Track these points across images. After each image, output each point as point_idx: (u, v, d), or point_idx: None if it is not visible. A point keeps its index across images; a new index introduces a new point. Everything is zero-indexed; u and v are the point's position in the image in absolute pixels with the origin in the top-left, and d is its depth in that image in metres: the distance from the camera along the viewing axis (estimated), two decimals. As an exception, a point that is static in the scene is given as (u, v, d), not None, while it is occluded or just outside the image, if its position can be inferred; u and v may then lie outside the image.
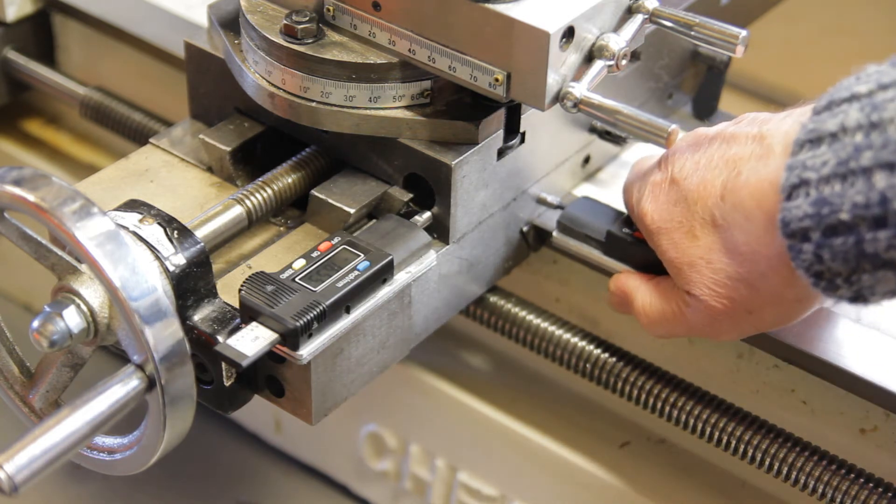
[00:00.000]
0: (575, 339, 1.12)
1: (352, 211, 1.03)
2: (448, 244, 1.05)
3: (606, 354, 1.11)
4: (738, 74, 1.83)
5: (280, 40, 1.01)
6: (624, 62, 0.97)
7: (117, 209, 0.98)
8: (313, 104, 1.01)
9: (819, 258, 0.84)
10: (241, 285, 0.95)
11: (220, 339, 0.95)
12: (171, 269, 0.94)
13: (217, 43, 1.10)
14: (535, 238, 1.14)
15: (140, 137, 1.31)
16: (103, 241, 0.86)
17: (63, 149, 1.49)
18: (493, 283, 1.14)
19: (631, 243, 1.05)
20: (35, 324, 0.91)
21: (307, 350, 0.94)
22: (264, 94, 1.03)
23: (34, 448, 0.85)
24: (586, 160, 1.16)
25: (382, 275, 0.98)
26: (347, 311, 0.96)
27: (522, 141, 1.06)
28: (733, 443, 1.06)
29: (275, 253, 1.04)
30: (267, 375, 0.99)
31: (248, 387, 1.00)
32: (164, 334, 0.87)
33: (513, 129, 1.05)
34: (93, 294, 0.91)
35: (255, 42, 1.03)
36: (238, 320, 0.96)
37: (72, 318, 0.91)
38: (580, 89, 0.96)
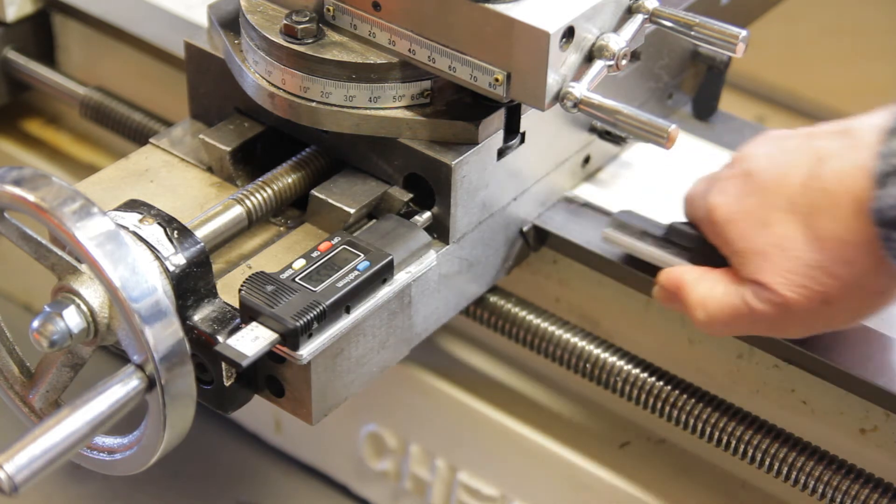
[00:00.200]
0: (575, 339, 1.12)
1: (352, 211, 1.03)
2: (448, 244, 1.05)
3: (606, 354, 1.11)
4: (738, 74, 1.83)
5: (280, 40, 1.01)
6: (624, 62, 0.97)
7: (117, 209, 0.98)
8: (313, 104, 1.01)
9: None
10: (241, 285, 0.95)
11: (220, 339, 0.95)
12: (171, 269, 0.94)
13: (217, 43, 1.10)
14: (535, 238, 1.14)
15: (140, 137, 1.31)
16: (103, 241, 0.86)
17: (63, 149, 1.49)
18: (493, 283, 1.14)
19: (696, 236, 1.02)
20: (35, 324, 0.91)
21: (307, 350, 0.94)
22: (264, 94, 1.03)
23: (34, 448, 0.85)
24: (586, 160, 1.16)
25: (382, 275, 0.98)
26: (347, 311, 0.96)
27: (522, 141, 1.06)
28: (733, 443, 1.06)
29: (275, 253, 1.04)
30: (267, 375, 0.99)
31: (248, 387, 1.00)
32: (164, 334, 0.87)
33: (513, 129, 1.05)
34: (93, 294, 0.91)
35: (255, 42, 1.03)
36: (238, 320, 0.96)
37: (72, 318, 0.91)
38: (580, 89, 0.96)
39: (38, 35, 1.42)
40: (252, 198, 1.04)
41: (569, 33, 0.94)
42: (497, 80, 0.96)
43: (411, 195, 1.04)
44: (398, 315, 1.02)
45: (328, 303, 0.94)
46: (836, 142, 0.90)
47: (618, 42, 0.97)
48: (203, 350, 0.96)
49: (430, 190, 1.03)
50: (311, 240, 1.04)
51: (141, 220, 0.96)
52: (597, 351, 1.11)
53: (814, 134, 0.93)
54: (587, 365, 1.11)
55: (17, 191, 0.87)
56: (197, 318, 0.96)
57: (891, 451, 1.06)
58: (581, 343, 1.12)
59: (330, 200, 1.03)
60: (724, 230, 0.95)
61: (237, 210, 1.03)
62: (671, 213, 1.13)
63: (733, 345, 1.11)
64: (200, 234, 1.00)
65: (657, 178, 1.17)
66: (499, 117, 1.02)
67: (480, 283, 1.12)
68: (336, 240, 0.99)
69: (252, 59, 1.04)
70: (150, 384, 0.89)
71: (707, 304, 0.97)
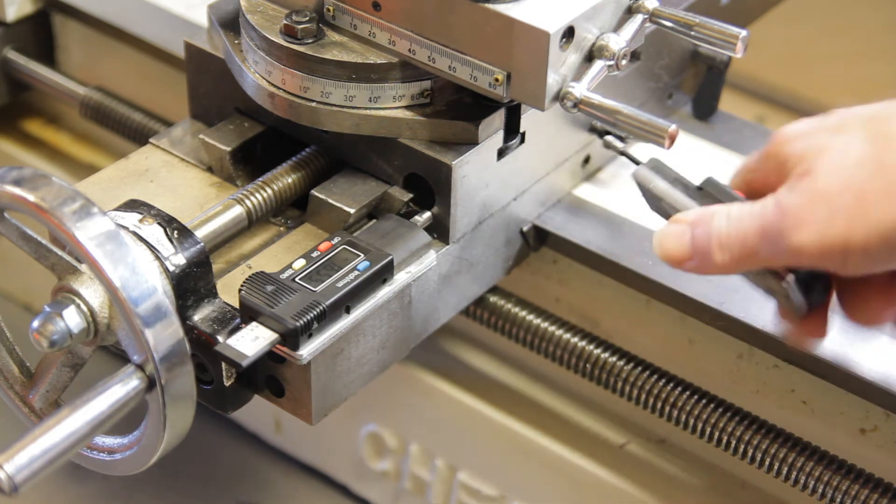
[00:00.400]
0: (575, 339, 1.12)
1: (352, 211, 1.03)
2: (448, 244, 1.05)
3: (606, 354, 1.11)
4: (738, 74, 1.82)
5: (280, 40, 1.01)
6: (624, 62, 0.97)
7: (117, 209, 0.98)
8: (313, 104, 1.01)
9: None
10: (241, 285, 0.95)
11: (220, 339, 0.95)
12: (171, 269, 0.94)
13: (217, 43, 1.10)
14: (535, 238, 1.14)
15: (140, 137, 1.31)
16: (103, 241, 0.86)
17: (63, 149, 1.49)
18: (493, 283, 1.14)
19: (734, 196, 0.95)
20: (35, 324, 0.91)
21: (307, 350, 0.94)
22: (264, 94, 1.03)
23: (34, 448, 0.85)
24: (586, 160, 1.16)
25: (382, 275, 0.98)
26: (347, 311, 0.96)
27: (522, 141, 1.06)
28: (733, 443, 1.06)
29: (275, 253, 1.04)
30: (267, 375, 0.99)
31: (248, 387, 1.00)
32: (164, 334, 0.87)
33: (513, 129, 1.05)
34: (93, 294, 0.91)
35: (255, 42, 1.03)
36: (238, 320, 0.96)
37: (72, 318, 0.91)
38: (580, 89, 0.96)
39: (38, 35, 1.41)
40: (252, 198, 1.04)
41: (569, 33, 0.94)
42: (497, 80, 0.97)
43: (411, 195, 1.04)
44: (398, 315, 1.02)
45: (328, 303, 0.94)
46: None
47: (618, 42, 0.97)
48: (203, 350, 0.96)
49: (430, 190, 1.03)
50: (311, 240, 1.04)
51: (141, 220, 0.96)
52: (597, 351, 1.11)
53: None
54: (587, 365, 1.11)
55: (17, 191, 0.87)
56: (197, 318, 0.96)
57: (891, 451, 1.06)
58: (581, 343, 1.12)
59: (330, 200, 1.03)
60: (785, 140, 0.89)
61: (237, 210, 1.03)
62: (671, 213, 1.13)
63: (733, 345, 1.11)
64: (200, 234, 1.00)
65: (657, 178, 1.17)
66: (499, 117, 1.02)
67: (480, 283, 1.12)
68: (336, 240, 0.99)
69: (252, 59, 1.04)
70: (150, 384, 0.89)
71: (731, 222, 0.89)
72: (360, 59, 1.00)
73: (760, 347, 1.06)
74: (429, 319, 1.07)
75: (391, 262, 0.98)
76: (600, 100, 0.96)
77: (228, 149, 1.08)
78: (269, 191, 1.05)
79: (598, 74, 0.97)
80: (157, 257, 0.94)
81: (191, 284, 0.96)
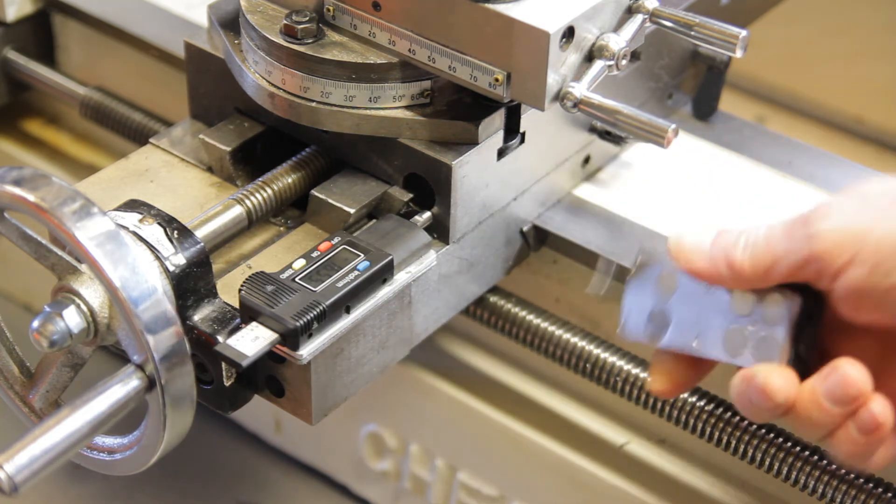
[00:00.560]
0: (575, 339, 1.12)
1: (352, 211, 1.03)
2: (448, 244, 1.05)
3: (606, 354, 1.11)
4: (738, 74, 1.83)
5: (280, 40, 1.01)
6: (624, 62, 0.97)
7: (117, 209, 0.98)
8: (313, 104, 1.01)
9: None
10: (241, 285, 0.95)
11: (220, 339, 0.95)
12: (171, 269, 0.94)
13: (217, 43, 1.10)
14: (535, 238, 1.14)
15: (140, 137, 1.31)
16: (103, 241, 0.86)
17: (63, 149, 1.49)
18: (493, 283, 1.14)
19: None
20: (35, 324, 0.91)
21: (307, 350, 0.94)
22: (264, 94, 1.03)
23: (34, 448, 0.85)
24: (586, 160, 1.16)
25: (382, 275, 0.98)
26: (347, 311, 0.96)
27: (522, 141, 1.06)
28: (733, 443, 1.06)
29: (275, 253, 1.04)
30: (267, 375, 0.99)
31: (248, 387, 1.00)
32: (164, 334, 0.87)
33: (513, 129, 1.05)
34: (93, 294, 0.91)
35: (255, 42, 1.03)
36: (238, 320, 0.96)
37: (72, 318, 0.91)
38: (580, 89, 0.96)
39: (38, 35, 1.41)
40: (252, 198, 1.04)
41: (569, 33, 0.94)
42: (497, 80, 0.97)
43: (411, 195, 1.04)
44: (398, 315, 1.02)
45: (328, 303, 0.94)
46: None
47: (618, 42, 0.97)
48: (203, 350, 0.96)
49: (430, 190, 1.03)
50: (311, 240, 1.04)
51: (141, 220, 0.96)
52: (597, 351, 1.11)
53: None
54: (587, 365, 1.11)
55: (17, 191, 0.87)
56: (197, 318, 0.96)
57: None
58: (581, 343, 1.12)
59: (330, 200, 1.03)
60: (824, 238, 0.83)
61: (237, 210, 1.03)
62: (671, 212, 1.13)
63: (733, 345, 1.10)
64: (200, 234, 1.00)
65: (657, 178, 1.17)
66: (499, 117, 1.02)
67: (480, 283, 1.12)
68: (336, 240, 0.99)
69: (252, 59, 1.04)
70: (150, 384, 0.89)
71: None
72: (360, 59, 1.00)
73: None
74: (429, 319, 1.07)
75: (391, 262, 0.98)
76: (600, 100, 0.96)
77: (228, 149, 1.08)
78: (269, 191, 1.05)
79: (598, 74, 0.97)
80: (157, 257, 0.94)
81: (191, 284, 0.96)
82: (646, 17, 1.00)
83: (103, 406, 0.89)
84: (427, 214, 1.04)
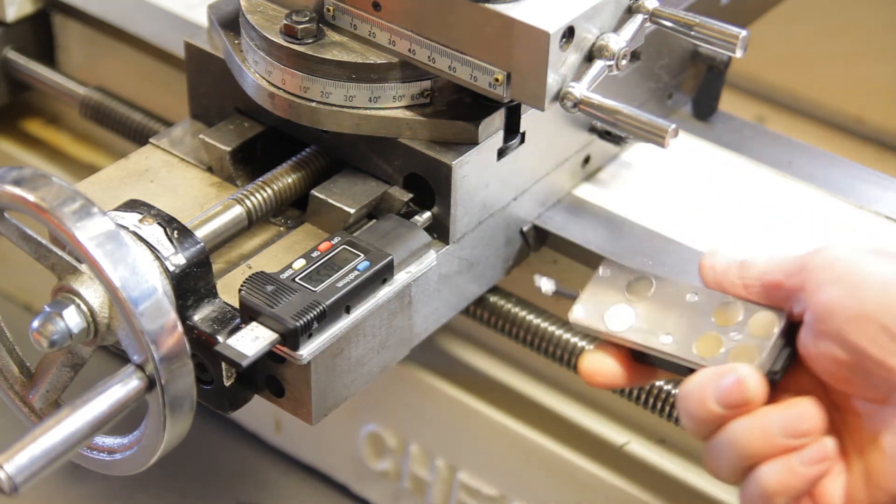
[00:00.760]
0: (575, 339, 1.12)
1: (352, 211, 1.03)
2: (448, 244, 1.05)
3: (606, 354, 1.11)
4: (738, 74, 1.83)
5: (280, 40, 1.01)
6: (624, 62, 0.97)
7: (117, 209, 0.98)
8: (313, 104, 1.01)
9: None
10: (241, 285, 0.95)
11: (220, 339, 0.95)
12: (171, 269, 0.94)
13: (217, 43, 1.10)
14: (535, 238, 1.14)
15: (140, 137, 1.31)
16: (103, 241, 0.86)
17: (63, 149, 1.49)
18: (493, 283, 1.14)
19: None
20: (35, 324, 0.91)
21: (307, 350, 0.94)
22: (264, 94, 1.03)
23: (34, 448, 0.85)
24: (586, 160, 1.16)
25: (382, 275, 0.98)
26: (347, 311, 0.96)
27: (522, 141, 1.06)
28: (733, 443, 1.06)
29: (275, 253, 1.04)
30: (267, 375, 0.99)
31: (248, 387, 1.00)
32: (164, 334, 0.87)
33: (513, 129, 1.05)
34: (93, 294, 0.91)
35: (255, 42, 1.03)
36: (238, 320, 0.96)
37: (72, 318, 0.91)
38: (580, 89, 0.96)
39: (38, 35, 1.42)
40: (252, 198, 1.04)
41: (569, 33, 0.94)
42: (497, 80, 0.97)
43: (411, 195, 1.04)
44: (398, 315, 1.02)
45: (328, 303, 0.94)
46: None
47: (618, 42, 0.97)
48: (203, 350, 0.96)
49: (430, 190, 1.03)
50: (311, 240, 1.04)
51: (141, 220, 0.96)
52: (597, 351, 1.11)
53: None
54: (587, 365, 1.11)
55: (17, 191, 0.87)
56: (197, 318, 0.96)
57: (891, 451, 1.06)
58: (581, 343, 1.12)
59: (330, 200, 1.03)
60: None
61: (237, 210, 1.03)
62: (670, 212, 1.13)
63: (733, 345, 1.10)
64: (200, 234, 1.00)
65: (657, 178, 1.17)
66: (499, 117, 1.02)
67: (480, 283, 1.12)
68: (336, 240, 0.99)
69: (252, 59, 1.04)
70: (150, 384, 0.89)
71: None
72: (360, 59, 1.00)
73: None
74: (429, 319, 1.07)
75: (391, 262, 0.98)
76: (600, 100, 0.96)
77: (228, 149, 1.08)
78: (269, 191, 1.05)
79: (598, 74, 0.97)
80: (157, 257, 0.94)
81: (191, 284, 0.96)
82: (646, 17, 1.00)
83: (103, 406, 0.89)
84: (427, 214, 1.04)
